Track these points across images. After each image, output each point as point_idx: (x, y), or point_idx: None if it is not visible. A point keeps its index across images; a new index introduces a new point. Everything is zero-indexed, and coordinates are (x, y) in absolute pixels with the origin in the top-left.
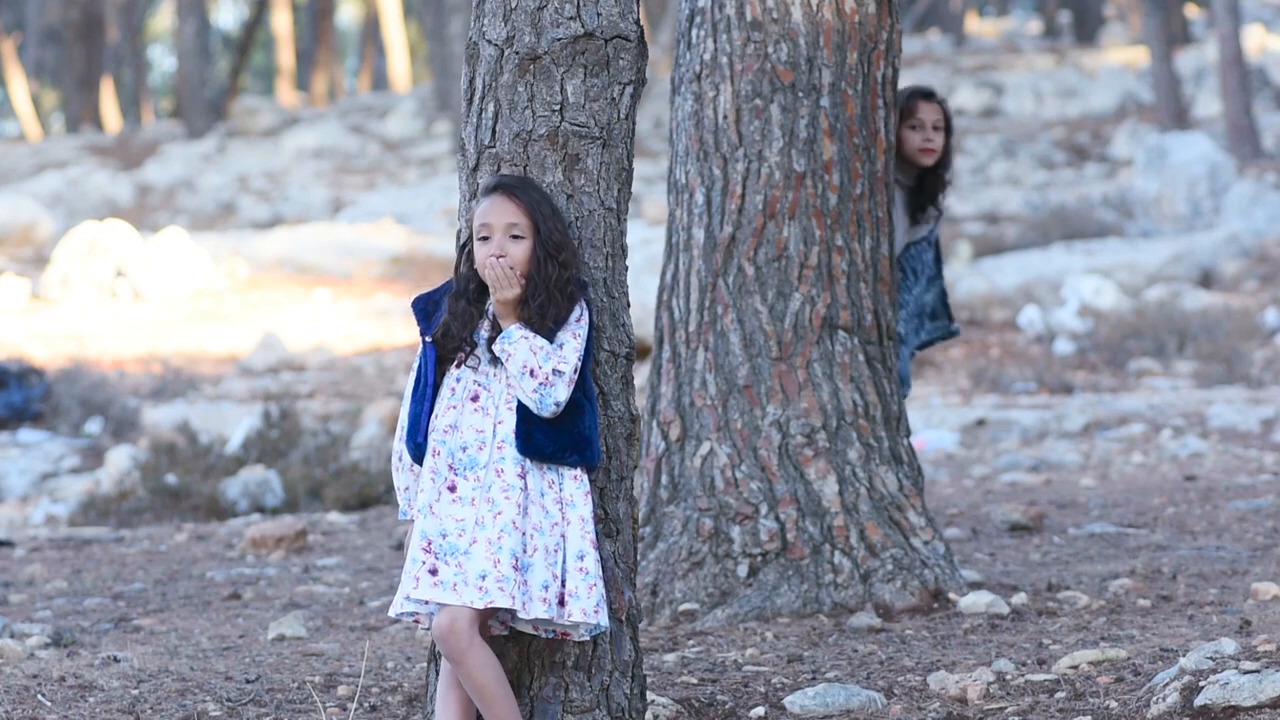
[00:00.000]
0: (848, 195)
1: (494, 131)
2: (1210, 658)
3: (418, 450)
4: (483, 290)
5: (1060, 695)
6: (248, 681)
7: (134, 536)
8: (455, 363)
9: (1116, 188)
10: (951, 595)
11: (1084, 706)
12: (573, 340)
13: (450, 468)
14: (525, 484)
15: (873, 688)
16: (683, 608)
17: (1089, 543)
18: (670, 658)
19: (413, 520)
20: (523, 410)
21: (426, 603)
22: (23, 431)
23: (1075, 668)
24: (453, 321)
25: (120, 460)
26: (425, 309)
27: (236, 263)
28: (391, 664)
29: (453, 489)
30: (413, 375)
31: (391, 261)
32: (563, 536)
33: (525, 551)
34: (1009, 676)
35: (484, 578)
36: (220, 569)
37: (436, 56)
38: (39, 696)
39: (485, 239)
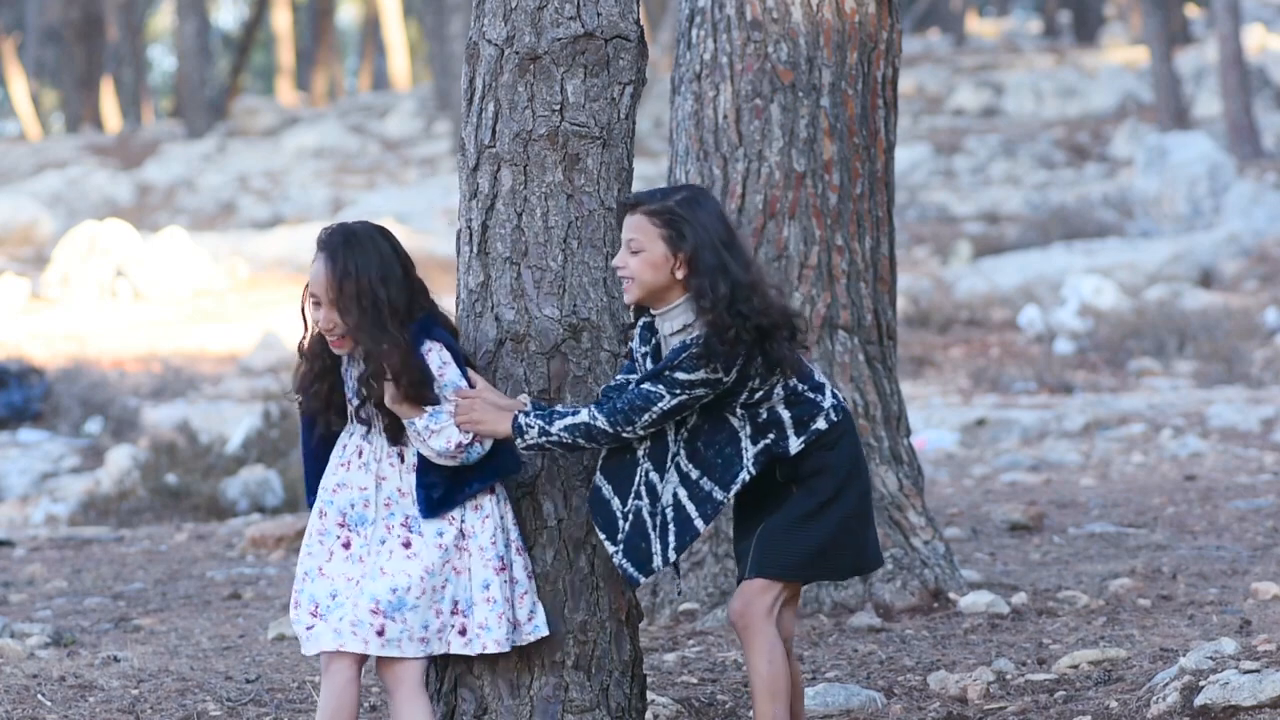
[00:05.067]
0: (848, 195)
1: (494, 131)
2: (1210, 657)
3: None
4: (334, 357)
5: (1060, 695)
6: (248, 681)
7: (134, 536)
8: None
9: (1116, 187)
10: (951, 595)
11: (1084, 706)
12: (447, 403)
13: (341, 524)
14: (413, 531)
15: (873, 687)
16: (683, 607)
17: (1089, 542)
18: (670, 657)
19: None
20: (420, 472)
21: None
22: (23, 431)
23: (1075, 667)
24: (304, 394)
25: (120, 460)
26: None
27: (237, 262)
28: None
29: (347, 545)
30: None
31: None
32: (466, 570)
33: (408, 591)
34: (1009, 676)
35: (341, 619)
36: (220, 569)
37: (436, 56)
38: (39, 696)
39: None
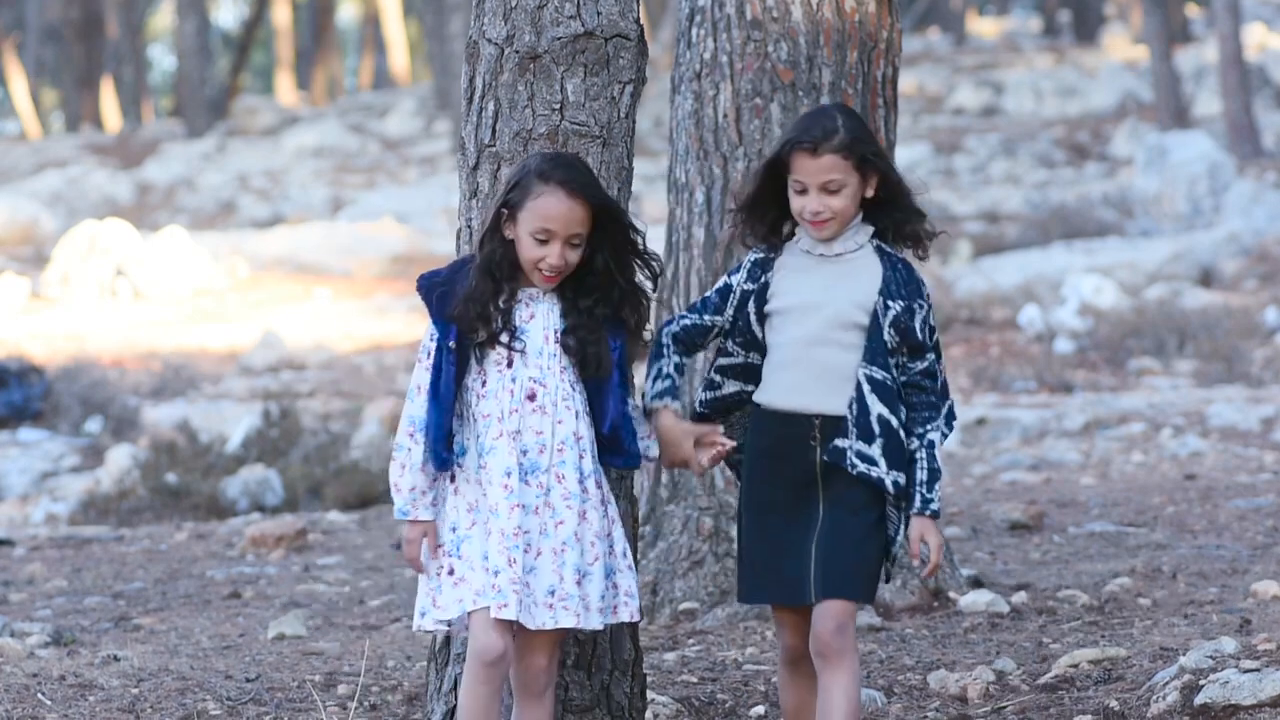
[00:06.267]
0: None
1: (494, 130)
2: (1210, 656)
3: (441, 462)
4: (515, 267)
5: (1060, 695)
6: (248, 680)
7: (134, 535)
8: (482, 354)
9: (1116, 186)
10: (951, 594)
11: (1084, 706)
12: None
13: (509, 475)
14: (584, 489)
15: (873, 687)
16: (683, 606)
17: (1089, 541)
18: (670, 657)
19: (414, 521)
20: (623, 417)
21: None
22: (23, 430)
23: (1075, 667)
24: (471, 303)
25: (120, 459)
26: (434, 293)
27: (236, 261)
28: (392, 663)
29: (516, 496)
30: (422, 370)
31: (391, 260)
32: (610, 536)
33: (587, 560)
34: (1009, 676)
35: (551, 593)
36: (220, 568)
37: (436, 55)
38: (39, 695)
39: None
